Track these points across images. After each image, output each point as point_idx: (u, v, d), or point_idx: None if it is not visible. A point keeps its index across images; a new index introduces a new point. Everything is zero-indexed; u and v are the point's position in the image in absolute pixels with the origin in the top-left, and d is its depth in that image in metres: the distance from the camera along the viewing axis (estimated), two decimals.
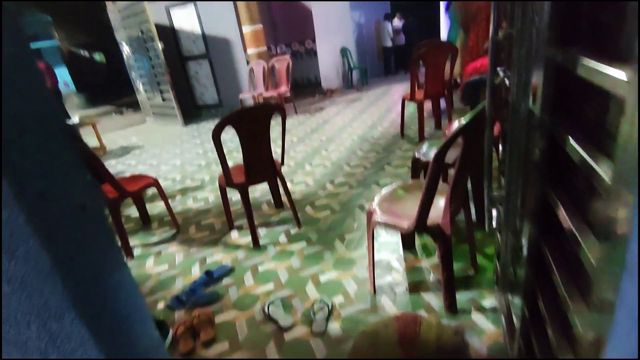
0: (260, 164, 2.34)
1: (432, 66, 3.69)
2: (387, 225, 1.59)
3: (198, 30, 6.71)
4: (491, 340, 1.48)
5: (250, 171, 2.29)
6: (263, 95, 6.00)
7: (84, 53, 16.21)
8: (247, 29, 6.06)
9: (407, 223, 1.53)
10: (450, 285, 1.62)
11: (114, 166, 4.91)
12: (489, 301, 1.67)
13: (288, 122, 5.55)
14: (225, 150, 2.22)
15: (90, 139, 6.01)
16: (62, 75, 15.23)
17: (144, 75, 7.09)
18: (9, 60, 0.86)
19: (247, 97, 6.19)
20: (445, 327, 1.51)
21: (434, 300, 1.74)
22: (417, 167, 2.21)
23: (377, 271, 1.97)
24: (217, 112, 7.29)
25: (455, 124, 2.72)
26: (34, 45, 14.26)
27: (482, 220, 2.24)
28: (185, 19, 6.78)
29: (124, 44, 7.20)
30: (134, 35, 6.63)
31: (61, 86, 15.26)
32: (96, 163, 2.33)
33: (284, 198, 2.91)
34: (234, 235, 2.62)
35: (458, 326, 1.57)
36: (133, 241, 2.76)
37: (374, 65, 8.77)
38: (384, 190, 1.86)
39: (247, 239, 2.50)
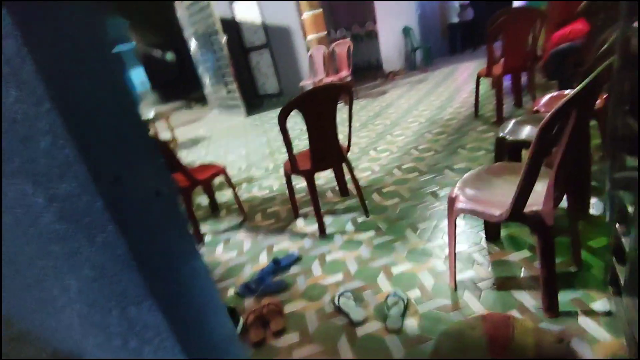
0: (327, 149, 2.24)
1: (513, 36, 3.29)
2: (474, 213, 1.40)
3: (259, 21, 6.78)
4: (608, 352, 1.24)
5: (317, 157, 2.21)
6: (323, 81, 5.90)
7: (157, 53, 17.38)
8: (306, 14, 5.97)
9: (499, 211, 1.33)
10: (550, 283, 1.38)
11: (185, 157, 5.18)
12: (599, 303, 1.41)
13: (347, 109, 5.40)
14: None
15: (163, 132, 6.42)
16: (139, 74, 16.60)
17: (209, 69, 7.37)
18: (86, 50, 0.84)
19: (308, 84, 6.14)
20: (545, 332, 1.30)
21: (528, 299, 1.52)
22: (502, 148, 1.95)
23: (458, 265, 1.78)
24: (278, 101, 7.36)
25: (545, 99, 2.37)
26: (114, 49, 15.62)
27: (583, 208, 1.92)
28: (246, 11, 6.88)
29: (191, 40, 7.54)
30: (200, 31, 6.90)
31: (138, 85, 16.67)
32: (169, 153, 2.41)
33: (349, 185, 2.80)
34: (300, 223, 2.57)
35: (561, 332, 1.35)
36: (203, 228, 2.85)
37: (438, 44, 8.20)
38: (467, 175, 1.65)
39: (313, 227, 2.44)
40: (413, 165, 3.03)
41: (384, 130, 4.10)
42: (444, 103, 4.59)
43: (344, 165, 2.41)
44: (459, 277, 1.71)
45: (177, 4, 7.24)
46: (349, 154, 2.48)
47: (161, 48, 17.32)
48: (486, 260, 1.79)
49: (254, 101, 7.62)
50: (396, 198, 2.58)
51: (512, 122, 2.04)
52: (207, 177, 2.59)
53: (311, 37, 6.09)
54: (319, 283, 1.92)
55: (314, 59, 6.13)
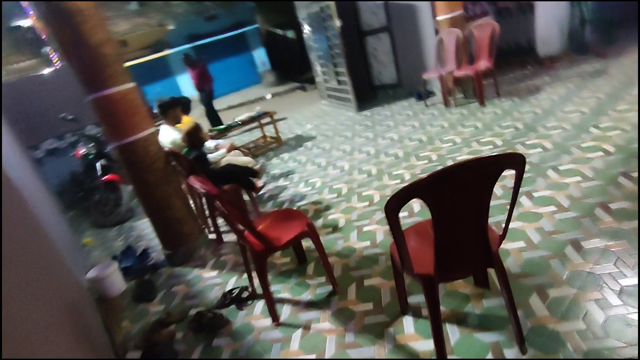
0: (464, 251, 1.35)
1: None
2: None
3: None
4: None
5: (445, 261, 1.33)
6: (454, 74, 4.71)
7: (279, 32, 17.53)
8: None
9: None
10: None
11: (285, 162, 4.73)
12: None
13: (485, 113, 4.13)
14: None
15: (268, 130, 6.09)
16: (260, 55, 17.14)
17: (321, 57, 6.75)
18: None
19: (433, 76, 5.00)
20: None
21: None
22: None
23: None
24: (395, 94, 6.36)
25: None
26: (240, 31, 16.32)
27: None
28: None
29: (304, 23, 6.99)
30: (313, 12, 6.27)
31: (259, 65, 17.24)
32: (241, 216, 1.83)
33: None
34: (407, 326, 1.75)
35: None
36: (282, 291, 2.26)
37: (628, 10, 5.91)
38: None
39: (428, 344, 1.60)
40: (600, 246, 1.87)
41: (543, 160, 2.86)
42: None
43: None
44: None
45: None
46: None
47: (282, 28, 17.45)
48: None
49: (367, 92, 6.77)
50: (580, 321, 1.53)
51: None
52: (287, 242, 1.94)
53: (442, 17, 4.87)
54: None
55: (443, 44, 4.93)
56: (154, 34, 15.06)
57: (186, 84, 16.18)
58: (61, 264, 2.30)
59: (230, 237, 3.21)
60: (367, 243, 2.49)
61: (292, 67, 15.96)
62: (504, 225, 1.41)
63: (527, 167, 2.75)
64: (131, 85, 2.61)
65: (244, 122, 5.15)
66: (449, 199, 1.16)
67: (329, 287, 2.16)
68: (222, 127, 5.11)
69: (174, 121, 3.36)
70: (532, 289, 1.75)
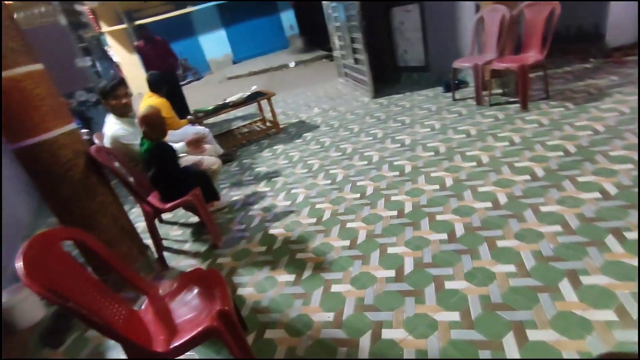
0: None
1: None
2: None
3: None
4: None
5: None
6: (493, 65, 3.73)
7: None
8: None
9: None
10: None
11: (277, 156, 4.02)
12: None
13: (527, 121, 3.10)
14: None
15: (267, 113, 5.34)
16: (289, 19, 15.94)
17: (339, 29, 5.80)
18: None
19: (466, 65, 4.03)
20: None
21: None
22: None
23: None
24: (420, 79, 5.39)
25: None
26: None
27: None
28: None
29: None
30: None
31: (287, 29, 16.09)
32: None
33: None
34: None
35: None
36: None
37: None
38: None
39: None
40: None
41: (601, 215, 1.97)
42: None
43: None
44: None
45: None
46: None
47: None
48: None
49: (389, 74, 5.83)
50: None
51: None
52: (177, 347, 1.28)
53: None
54: None
55: (484, 25, 3.92)
56: None
57: (209, 45, 15.40)
58: None
59: (178, 261, 2.61)
60: (330, 317, 1.79)
61: (321, 34, 14.74)
62: None
63: (575, 225, 1.93)
64: (32, 68, 1.94)
65: (235, 105, 4.42)
66: None
67: None
68: (209, 108, 4.40)
69: (120, 111, 2.63)
70: None
